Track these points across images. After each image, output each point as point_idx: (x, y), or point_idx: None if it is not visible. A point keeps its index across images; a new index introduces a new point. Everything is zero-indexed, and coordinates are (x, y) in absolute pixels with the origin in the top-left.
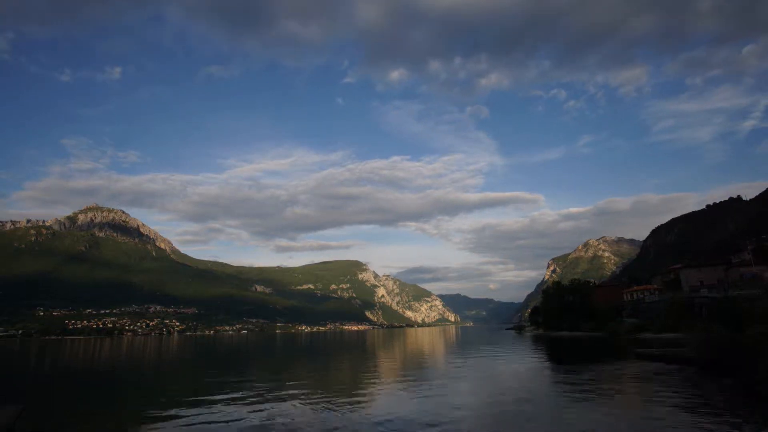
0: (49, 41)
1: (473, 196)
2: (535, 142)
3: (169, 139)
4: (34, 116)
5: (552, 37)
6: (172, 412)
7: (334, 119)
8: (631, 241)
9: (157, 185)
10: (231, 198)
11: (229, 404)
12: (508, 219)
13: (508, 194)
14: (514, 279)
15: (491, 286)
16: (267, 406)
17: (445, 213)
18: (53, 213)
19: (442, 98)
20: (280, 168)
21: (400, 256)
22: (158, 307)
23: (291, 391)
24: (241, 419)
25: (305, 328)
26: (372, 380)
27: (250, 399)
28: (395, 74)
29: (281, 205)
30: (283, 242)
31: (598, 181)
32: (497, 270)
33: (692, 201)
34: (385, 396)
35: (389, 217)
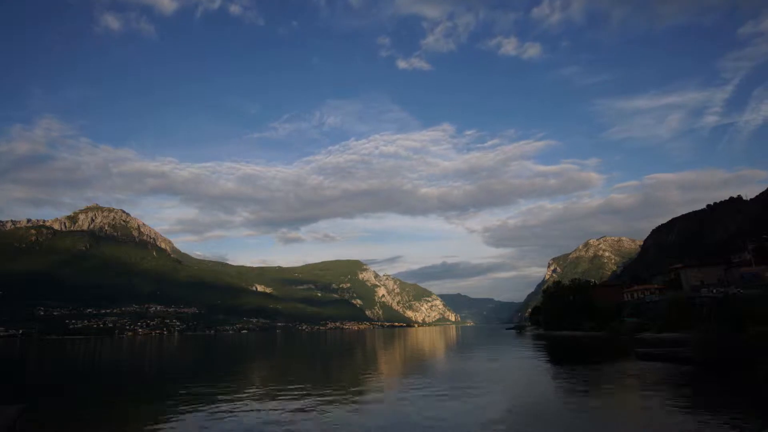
0: None
1: (517, 182)
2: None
3: (163, 115)
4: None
5: None
6: (173, 411)
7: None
8: (632, 241)
9: (150, 164)
10: (232, 177)
11: (232, 405)
12: (547, 205)
13: (556, 174)
14: (533, 274)
15: (495, 282)
16: (280, 409)
17: (475, 203)
18: (35, 195)
19: (505, 59)
20: (289, 137)
21: (418, 251)
22: (159, 307)
23: (296, 393)
24: (246, 420)
25: (305, 328)
26: (386, 382)
27: (255, 400)
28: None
29: (288, 188)
30: (289, 234)
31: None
32: (522, 264)
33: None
34: (401, 398)
35: (414, 205)
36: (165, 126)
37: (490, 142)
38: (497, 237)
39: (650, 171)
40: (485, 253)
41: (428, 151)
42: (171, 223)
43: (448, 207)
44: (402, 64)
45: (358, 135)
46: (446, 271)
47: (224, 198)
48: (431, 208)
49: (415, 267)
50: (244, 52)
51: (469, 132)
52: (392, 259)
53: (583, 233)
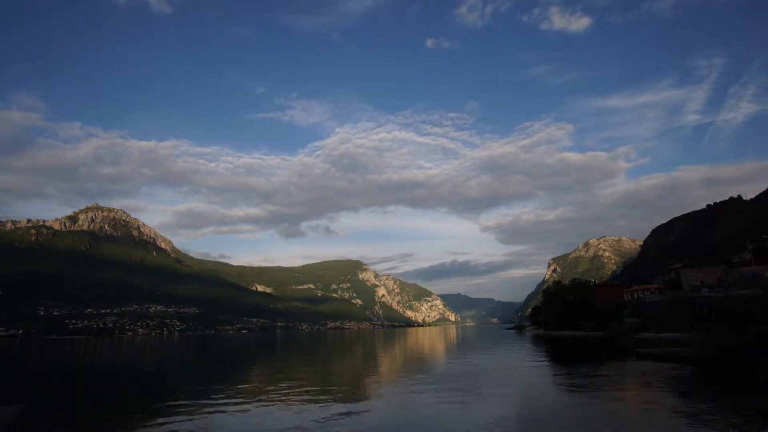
0: None
1: (536, 171)
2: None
3: (159, 96)
4: None
5: None
6: (172, 412)
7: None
8: (632, 241)
9: (147, 153)
10: (231, 166)
11: (231, 405)
12: (565, 198)
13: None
14: (541, 272)
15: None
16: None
17: (491, 195)
18: (22, 187)
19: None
20: (293, 121)
21: (428, 248)
22: (159, 307)
23: (296, 393)
24: (246, 420)
25: (305, 328)
26: (388, 383)
27: (254, 401)
28: None
29: (291, 179)
30: (291, 229)
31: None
32: (532, 261)
33: None
34: (403, 398)
35: (426, 198)
36: (161, 110)
37: (518, 126)
38: (510, 233)
39: (679, 163)
40: (497, 251)
41: (448, 137)
42: (169, 216)
43: (461, 200)
44: (429, 43)
45: (370, 119)
46: (456, 269)
47: (224, 190)
48: (443, 202)
49: (426, 265)
50: (253, 25)
51: (494, 117)
52: (404, 256)
53: (600, 228)
